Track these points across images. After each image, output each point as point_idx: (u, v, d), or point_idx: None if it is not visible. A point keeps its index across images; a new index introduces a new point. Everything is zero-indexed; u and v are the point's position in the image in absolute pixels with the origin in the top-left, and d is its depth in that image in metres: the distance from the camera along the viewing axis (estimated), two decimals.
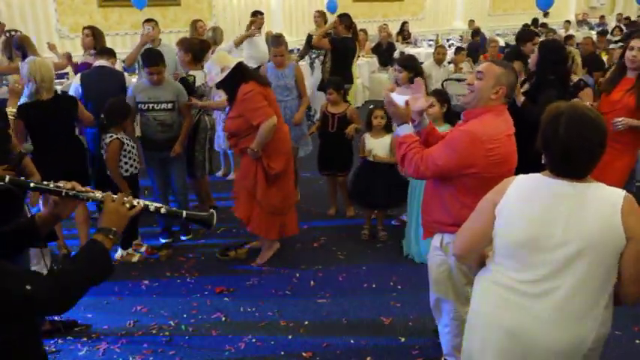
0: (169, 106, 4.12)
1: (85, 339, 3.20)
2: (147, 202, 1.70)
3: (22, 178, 1.63)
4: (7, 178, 1.57)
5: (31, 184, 1.60)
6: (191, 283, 3.84)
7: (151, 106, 4.10)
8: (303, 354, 3.06)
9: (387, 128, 4.21)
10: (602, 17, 15.86)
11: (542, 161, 1.79)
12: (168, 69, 5.19)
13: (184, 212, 1.76)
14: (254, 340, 3.19)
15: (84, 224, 3.99)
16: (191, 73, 4.67)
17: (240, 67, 3.65)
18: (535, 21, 13.61)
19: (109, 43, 6.05)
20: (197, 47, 4.79)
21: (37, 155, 3.59)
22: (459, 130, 2.39)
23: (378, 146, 4.24)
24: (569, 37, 9.03)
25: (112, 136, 3.81)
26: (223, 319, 3.41)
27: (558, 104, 1.78)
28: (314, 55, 7.46)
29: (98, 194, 1.64)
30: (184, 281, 3.87)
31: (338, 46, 6.48)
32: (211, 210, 1.81)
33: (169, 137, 4.17)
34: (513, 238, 1.78)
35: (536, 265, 1.75)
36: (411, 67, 4.15)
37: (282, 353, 3.08)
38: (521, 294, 1.77)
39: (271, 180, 3.88)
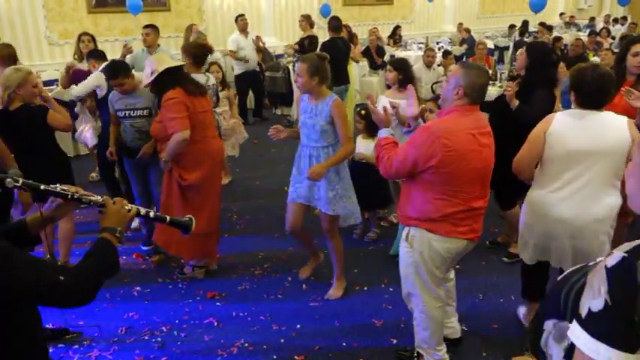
0: (145, 112, 4.04)
1: (76, 346, 3.19)
2: (139, 207, 1.81)
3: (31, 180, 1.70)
4: (21, 180, 1.65)
5: (42, 187, 1.67)
6: (183, 289, 3.83)
7: (127, 113, 4.04)
8: (296, 357, 3.07)
9: (372, 131, 4.22)
10: (592, 19, 16.01)
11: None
12: None
13: (168, 217, 1.92)
14: (246, 345, 3.19)
15: (66, 241, 3.87)
16: (193, 77, 4.67)
17: (168, 71, 3.54)
18: (525, 23, 13.74)
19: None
20: (197, 51, 4.80)
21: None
22: (420, 128, 2.58)
23: (365, 147, 4.28)
24: (557, 39, 9.11)
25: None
26: (215, 324, 3.41)
27: (580, 64, 2.86)
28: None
29: (98, 197, 1.73)
30: (176, 287, 3.87)
31: (325, 47, 6.54)
32: (190, 216, 1.95)
33: (147, 144, 4.07)
34: (562, 149, 2.67)
35: (572, 169, 2.69)
36: (401, 69, 4.22)
37: (275, 357, 3.08)
38: (558, 192, 2.73)
39: (190, 196, 3.72)
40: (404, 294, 2.87)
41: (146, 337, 3.29)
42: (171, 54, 6.31)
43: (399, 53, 10.48)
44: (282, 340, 3.23)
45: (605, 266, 1.04)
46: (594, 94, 2.66)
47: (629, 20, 14.76)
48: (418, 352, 2.91)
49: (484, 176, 2.55)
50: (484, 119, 2.56)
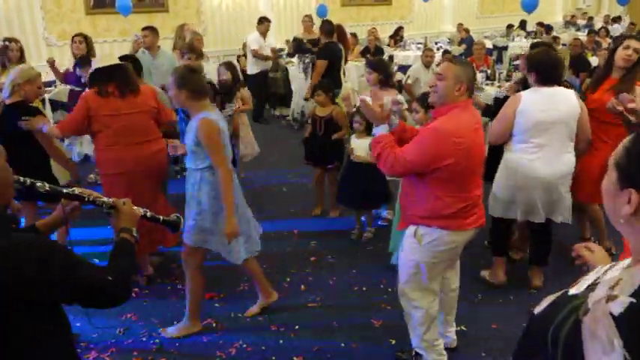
0: None
1: (72, 344, 3.17)
2: (139, 208, 1.89)
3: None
4: (47, 185, 1.73)
5: (64, 191, 1.77)
6: (181, 290, 3.82)
7: None
8: (294, 358, 3.06)
9: (369, 130, 4.23)
10: (590, 18, 16.01)
11: None
12: (164, 75, 5.25)
13: (161, 217, 2.00)
14: (244, 346, 3.18)
15: (61, 238, 3.81)
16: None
17: (95, 71, 3.56)
18: (523, 22, 13.73)
19: (97, 51, 6.06)
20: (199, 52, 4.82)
21: None
22: (428, 129, 2.54)
23: (359, 147, 4.28)
24: (555, 39, 9.11)
25: None
26: (214, 324, 3.40)
27: (536, 49, 3.72)
28: (307, 60, 7.50)
29: (109, 199, 1.81)
30: (174, 288, 3.86)
31: (324, 53, 6.55)
32: (177, 214, 2.08)
33: None
34: (530, 122, 3.21)
35: (538, 136, 3.27)
36: (381, 69, 4.24)
37: (273, 358, 3.08)
38: (530, 154, 3.29)
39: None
40: (399, 291, 2.87)
41: (144, 339, 3.28)
42: (170, 55, 6.32)
43: (398, 53, 10.47)
44: (281, 341, 3.22)
45: (612, 314, 0.91)
46: (550, 72, 3.29)
47: (627, 20, 14.74)
48: (417, 352, 2.90)
49: (481, 167, 2.67)
50: (478, 113, 2.63)
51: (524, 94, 3.32)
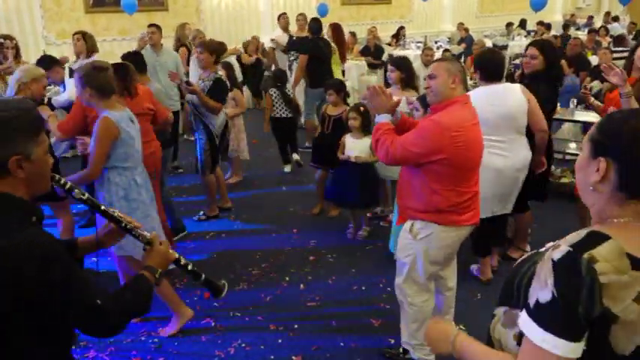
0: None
1: (72, 348, 3.17)
2: (179, 255, 1.77)
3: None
4: (87, 195, 1.71)
5: (102, 207, 1.71)
6: (180, 289, 3.82)
7: None
8: (293, 357, 3.06)
9: (366, 129, 4.21)
10: (590, 17, 15.99)
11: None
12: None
13: (203, 275, 1.80)
14: (243, 345, 3.18)
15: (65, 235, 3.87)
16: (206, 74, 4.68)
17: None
18: (523, 22, 13.72)
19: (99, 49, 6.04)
20: (219, 48, 4.81)
21: None
22: (428, 120, 2.57)
23: (358, 147, 4.26)
24: (555, 38, 9.10)
25: None
26: (212, 324, 3.40)
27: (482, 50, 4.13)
28: (292, 58, 7.51)
29: (147, 234, 1.71)
30: (173, 286, 3.84)
31: (308, 49, 6.59)
32: (224, 282, 1.89)
33: None
34: (484, 119, 2.77)
35: (492, 132, 3.20)
36: (404, 68, 4.23)
37: (272, 357, 3.07)
38: (487, 149, 2.83)
39: None
40: (396, 284, 2.90)
41: (143, 338, 3.27)
42: (174, 53, 6.32)
43: (398, 52, 10.46)
44: (280, 340, 3.22)
45: (552, 259, 1.10)
46: (496, 69, 3.45)
47: (628, 20, 14.73)
48: (404, 349, 2.93)
49: (479, 163, 2.67)
50: (475, 111, 2.63)
51: (471, 92, 3.16)
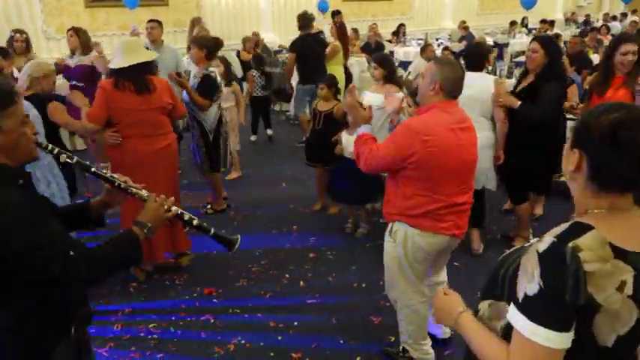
0: None
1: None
2: (182, 211, 1.82)
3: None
4: (75, 158, 1.78)
5: (92, 169, 1.77)
6: (180, 285, 3.81)
7: None
8: (293, 355, 3.05)
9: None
10: (587, 16, 15.97)
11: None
12: (168, 69, 5.23)
13: (212, 229, 1.86)
14: (243, 342, 3.17)
15: None
16: (211, 69, 4.65)
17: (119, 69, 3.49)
18: (525, 20, 13.69)
19: (103, 44, 6.02)
20: (211, 44, 4.75)
21: None
22: (400, 125, 2.58)
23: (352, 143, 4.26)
24: (557, 36, 9.08)
25: None
26: (212, 320, 3.39)
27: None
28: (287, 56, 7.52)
29: (144, 192, 1.79)
30: (173, 283, 3.84)
31: (294, 46, 6.60)
32: (238, 236, 1.95)
33: None
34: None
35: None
36: (386, 65, 4.25)
37: (272, 354, 3.06)
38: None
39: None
40: (387, 288, 2.89)
41: (142, 334, 3.26)
42: (174, 49, 6.26)
43: (399, 49, 10.44)
44: (279, 338, 3.21)
45: (537, 251, 1.11)
46: (480, 61, 3.96)
47: (634, 17, 14.65)
48: (404, 348, 2.92)
49: (466, 171, 2.57)
50: (464, 114, 2.57)
51: None
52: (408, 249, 2.60)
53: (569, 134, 2.81)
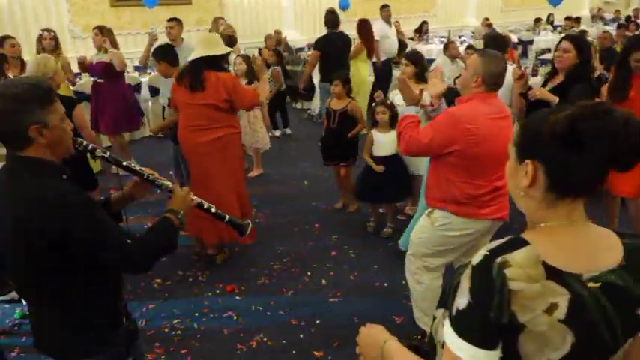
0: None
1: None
2: (202, 200, 1.97)
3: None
4: (108, 153, 1.88)
5: (124, 163, 1.88)
6: (202, 282, 3.84)
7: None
8: (315, 353, 3.05)
9: (392, 124, 4.18)
10: (617, 12, 15.64)
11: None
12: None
13: (227, 216, 2.03)
14: (265, 339, 3.18)
15: None
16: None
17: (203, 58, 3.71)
18: (550, 16, 13.46)
19: (121, 43, 6.10)
20: (225, 40, 4.77)
21: None
22: (444, 112, 2.63)
23: (385, 141, 4.23)
24: (583, 33, 8.91)
25: None
26: (235, 317, 3.41)
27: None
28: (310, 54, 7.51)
29: (169, 183, 1.91)
30: (196, 280, 3.87)
31: (319, 43, 6.56)
32: (248, 222, 2.10)
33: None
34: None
35: None
36: (418, 62, 4.22)
37: (294, 352, 3.07)
38: None
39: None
40: (406, 261, 2.99)
41: (166, 330, 3.30)
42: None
43: (421, 47, 10.35)
44: (301, 335, 3.21)
45: (472, 264, 1.06)
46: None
47: None
48: (422, 331, 2.96)
49: (505, 157, 2.56)
50: (502, 104, 2.63)
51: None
52: (446, 235, 2.69)
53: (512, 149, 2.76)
